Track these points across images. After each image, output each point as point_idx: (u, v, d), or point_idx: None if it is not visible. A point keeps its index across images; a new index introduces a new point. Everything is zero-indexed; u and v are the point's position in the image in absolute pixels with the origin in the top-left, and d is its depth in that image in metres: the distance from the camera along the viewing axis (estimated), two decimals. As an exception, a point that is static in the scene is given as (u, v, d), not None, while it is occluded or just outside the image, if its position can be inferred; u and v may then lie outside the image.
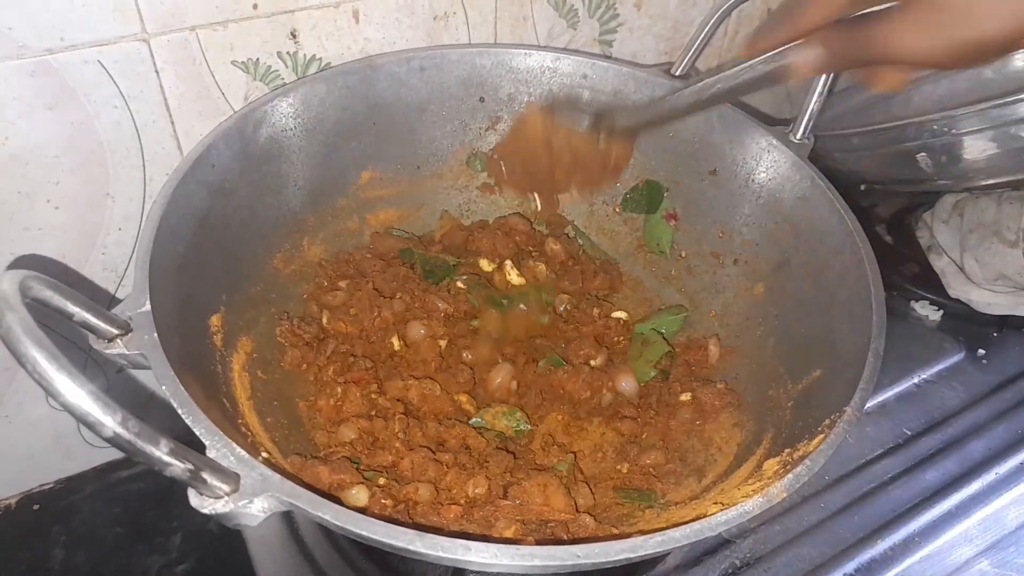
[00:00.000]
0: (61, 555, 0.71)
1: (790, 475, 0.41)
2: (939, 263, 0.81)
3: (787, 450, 0.48)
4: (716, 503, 0.46)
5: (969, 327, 0.80)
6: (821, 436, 0.44)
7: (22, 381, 0.67)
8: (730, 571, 0.60)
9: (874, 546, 0.62)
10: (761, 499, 0.40)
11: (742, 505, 0.40)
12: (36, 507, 0.74)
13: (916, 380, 0.75)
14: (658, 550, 0.38)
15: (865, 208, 0.92)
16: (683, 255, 0.72)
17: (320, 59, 0.65)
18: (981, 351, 0.78)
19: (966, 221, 0.79)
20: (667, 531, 0.38)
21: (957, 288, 0.78)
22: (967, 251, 0.78)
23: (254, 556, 0.60)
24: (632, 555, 0.38)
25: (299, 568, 0.59)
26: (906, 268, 0.85)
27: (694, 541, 0.39)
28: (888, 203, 0.91)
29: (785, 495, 0.41)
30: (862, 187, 0.87)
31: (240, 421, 0.49)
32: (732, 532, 0.61)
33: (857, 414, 0.45)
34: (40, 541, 0.72)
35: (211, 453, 0.39)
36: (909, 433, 0.70)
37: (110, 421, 0.33)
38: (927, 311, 0.82)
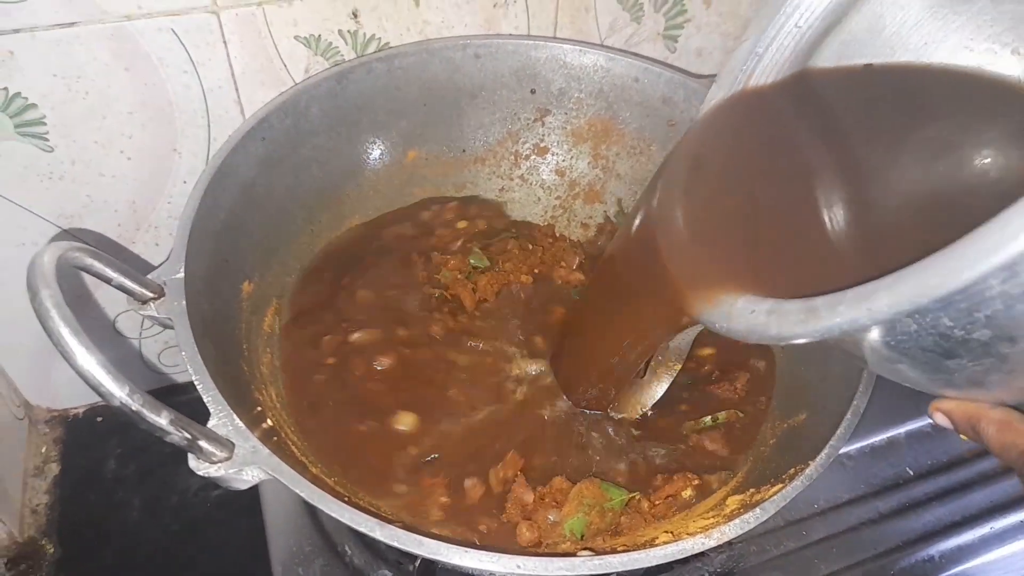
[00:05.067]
0: (114, 465, 0.79)
1: (736, 521, 0.43)
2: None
3: (751, 490, 0.50)
4: (667, 531, 0.48)
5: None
6: (780, 486, 0.45)
7: (93, 306, 0.74)
8: (700, 582, 0.62)
9: (845, 583, 0.62)
10: (703, 539, 0.43)
11: (683, 543, 0.42)
12: (99, 419, 0.82)
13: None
14: (594, 572, 0.41)
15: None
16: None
17: (379, 39, 0.68)
18: (1014, 400, 0.75)
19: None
20: (606, 556, 0.41)
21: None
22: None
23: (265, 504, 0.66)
24: (569, 573, 0.41)
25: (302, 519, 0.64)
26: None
27: (628, 569, 0.42)
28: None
29: (727, 539, 0.43)
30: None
31: (255, 385, 0.54)
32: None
33: (820, 469, 0.46)
34: (98, 450, 0.80)
35: (213, 420, 0.44)
36: (911, 473, 0.69)
37: (119, 392, 0.38)
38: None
